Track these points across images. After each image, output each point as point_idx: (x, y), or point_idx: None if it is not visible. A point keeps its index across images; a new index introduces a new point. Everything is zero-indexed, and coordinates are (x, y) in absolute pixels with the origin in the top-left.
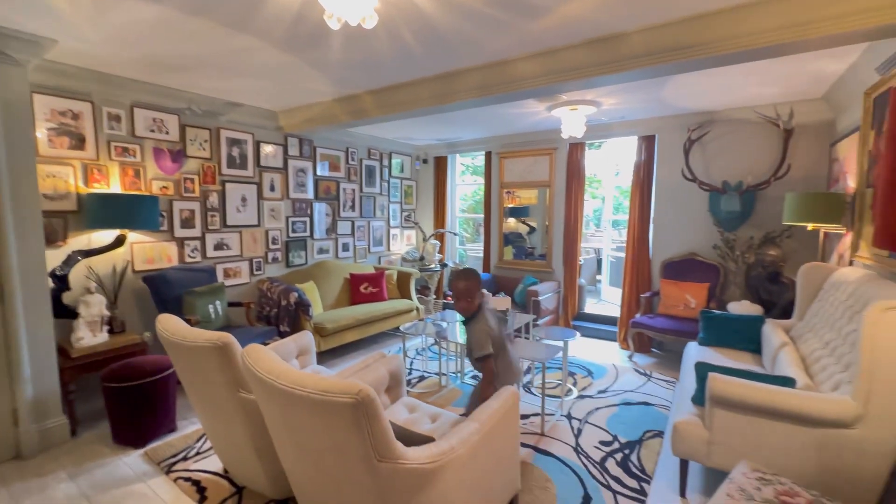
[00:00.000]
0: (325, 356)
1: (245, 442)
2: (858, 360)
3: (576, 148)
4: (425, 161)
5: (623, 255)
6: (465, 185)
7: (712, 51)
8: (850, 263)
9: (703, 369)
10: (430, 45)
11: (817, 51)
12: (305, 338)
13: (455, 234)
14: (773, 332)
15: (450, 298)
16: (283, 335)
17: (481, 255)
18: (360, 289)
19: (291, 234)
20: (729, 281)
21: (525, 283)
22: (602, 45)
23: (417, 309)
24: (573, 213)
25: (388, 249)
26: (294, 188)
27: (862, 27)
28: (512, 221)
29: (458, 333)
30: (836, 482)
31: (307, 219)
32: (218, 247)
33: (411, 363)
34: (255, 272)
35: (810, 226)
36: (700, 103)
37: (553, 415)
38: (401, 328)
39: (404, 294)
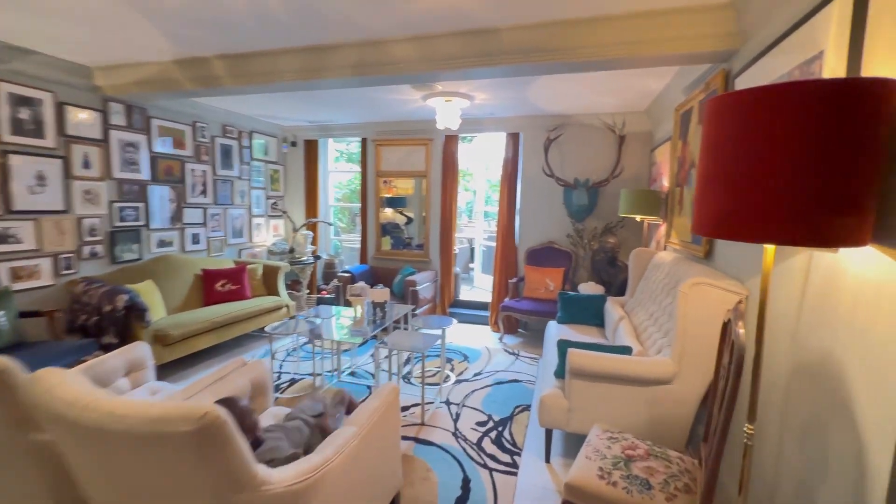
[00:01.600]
0: (171, 368)
1: (41, 496)
2: (675, 327)
3: (451, 140)
4: (294, 144)
5: (493, 244)
6: (340, 172)
7: (568, 56)
8: (665, 248)
9: (563, 346)
10: (297, 12)
11: (644, 68)
12: (138, 349)
13: (330, 224)
14: (612, 308)
15: (325, 292)
16: (107, 348)
17: (358, 246)
18: (215, 286)
19: (119, 224)
20: (579, 265)
21: (403, 273)
22: (475, 37)
23: (288, 306)
24: (448, 205)
25: (251, 241)
26: (121, 166)
27: (675, 52)
28: (389, 212)
29: (335, 329)
30: (660, 429)
31: (142, 204)
32: (0, 239)
33: (280, 366)
34: (64, 272)
35: (638, 217)
36: (557, 107)
37: (433, 402)
38: (266, 329)
39: (271, 290)
